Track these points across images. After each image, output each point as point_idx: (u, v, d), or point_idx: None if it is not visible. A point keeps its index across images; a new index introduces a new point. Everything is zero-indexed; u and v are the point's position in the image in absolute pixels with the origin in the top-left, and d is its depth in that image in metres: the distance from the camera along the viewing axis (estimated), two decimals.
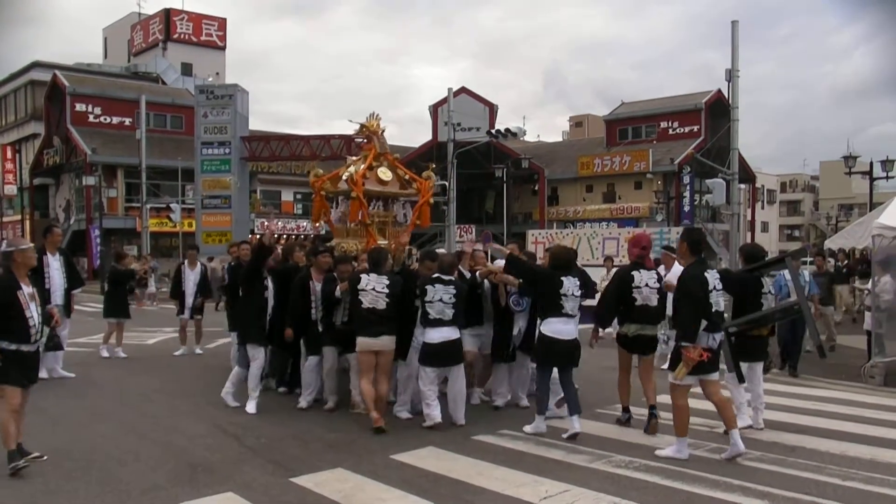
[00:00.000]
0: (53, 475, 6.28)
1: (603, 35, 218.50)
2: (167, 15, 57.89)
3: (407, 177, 10.78)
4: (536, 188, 53.11)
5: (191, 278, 13.93)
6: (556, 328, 7.57)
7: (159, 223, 40.20)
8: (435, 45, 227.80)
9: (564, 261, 7.88)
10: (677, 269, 12.25)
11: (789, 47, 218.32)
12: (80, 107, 43.39)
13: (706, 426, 7.99)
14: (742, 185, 23.36)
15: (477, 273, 8.96)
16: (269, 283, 9.19)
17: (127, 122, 42.90)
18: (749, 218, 53.57)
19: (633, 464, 6.61)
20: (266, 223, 11.35)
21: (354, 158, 10.61)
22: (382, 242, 9.95)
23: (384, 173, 10.28)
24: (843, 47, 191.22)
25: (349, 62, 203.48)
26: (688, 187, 45.55)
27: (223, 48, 61.06)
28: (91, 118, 43.55)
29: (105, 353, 13.27)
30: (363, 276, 8.08)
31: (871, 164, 29.12)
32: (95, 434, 7.75)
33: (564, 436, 7.47)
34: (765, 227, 71.65)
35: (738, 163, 21.30)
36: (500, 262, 8.77)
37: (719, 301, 6.85)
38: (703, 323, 6.69)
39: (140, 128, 34.74)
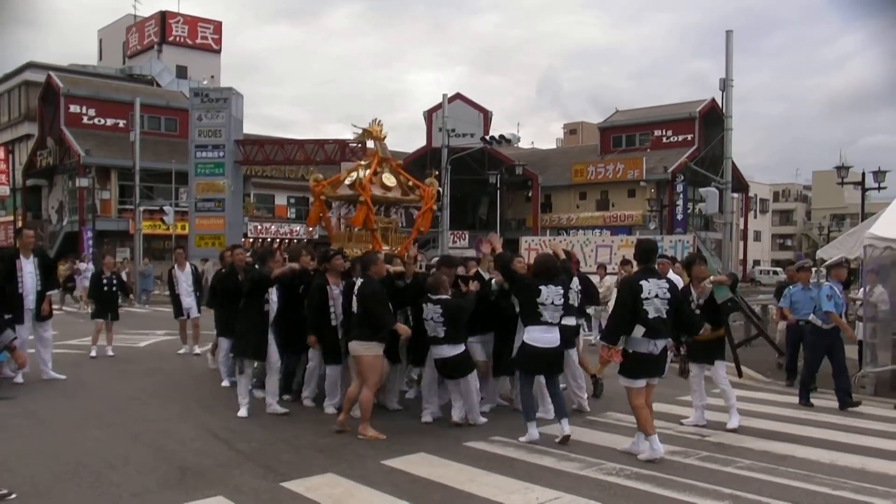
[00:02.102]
0: (43, 478, 6.25)
1: (599, 43, 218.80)
2: (163, 17, 57.92)
3: (410, 183, 10.68)
4: (530, 195, 53.29)
5: (182, 279, 14.07)
6: (535, 336, 7.60)
7: (152, 226, 40.12)
8: (430, 50, 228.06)
9: (545, 269, 7.87)
10: (672, 277, 12.40)
11: (783, 57, 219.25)
12: (74, 108, 43.35)
13: (697, 434, 8.03)
14: (735, 195, 23.52)
15: (493, 281, 8.79)
16: (273, 295, 8.93)
17: (121, 124, 42.87)
18: (742, 227, 53.86)
19: (624, 471, 6.61)
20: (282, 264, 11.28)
21: (361, 163, 10.48)
22: (385, 248, 9.87)
23: (388, 179, 10.23)
24: (836, 58, 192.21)
25: (345, 66, 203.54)
26: (681, 196, 45.71)
27: (218, 51, 61.09)
28: (85, 120, 43.52)
29: (93, 353, 13.38)
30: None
31: (864, 174, 29.22)
32: (86, 437, 7.71)
33: (557, 440, 7.51)
34: (757, 237, 71.96)
35: (731, 172, 21.33)
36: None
37: (661, 308, 7.05)
38: (641, 329, 6.97)
39: (134, 130, 34.68)
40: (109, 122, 44.02)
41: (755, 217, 70.74)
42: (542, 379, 8.25)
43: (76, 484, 6.14)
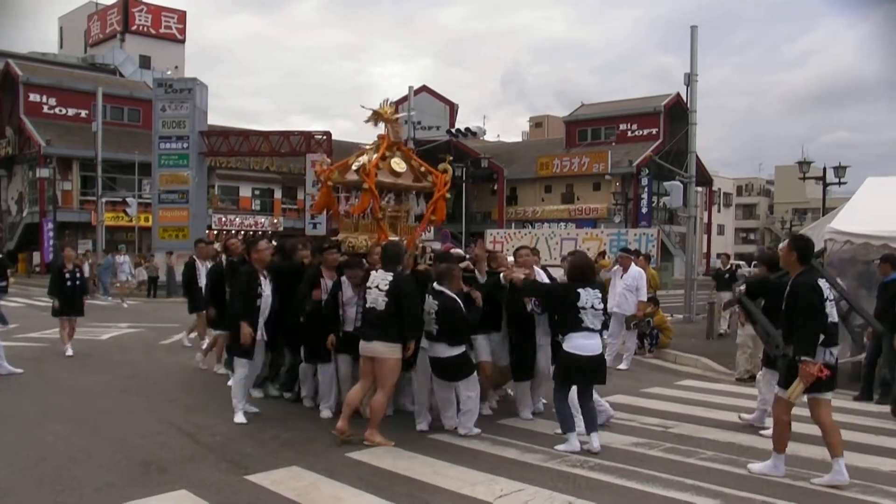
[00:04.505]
0: (4, 473, 6.17)
1: (564, 37, 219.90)
2: (125, 5, 57.15)
3: (422, 169, 9.99)
4: (495, 188, 53.48)
5: (203, 272, 13.18)
6: (577, 343, 7.08)
7: (115, 217, 39.63)
8: (397, 43, 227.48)
9: (581, 271, 7.39)
10: (634, 270, 12.50)
11: (747, 53, 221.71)
12: (34, 97, 42.73)
13: (661, 426, 8.10)
14: (699, 188, 23.77)
15: (501, 276, 8.22)
16: (266, 287, 8.27)
17: (83, 114, 42.29)
18: (706, 221, 54.38)
19: (587, 463, 6.66)
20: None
21: (367, 148, 9.82)
22: (394, 239, 9.18)
23: (398, 164, 9.52)
24: (798, 55, 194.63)
25: (311, 58, 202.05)
26: (646, 189, 46.14)
27: (182, 41, 60.46)
28: (46, 109, 42.92)
29: (69, 352, 12.64)
30: (373, 272, 7.55)
31: (825, 170, 29.64)
32: (48, 431, 7.61)
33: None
34: (721, 230, 72.67)
35: (695, 166, 21.56)
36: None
37: (832, 312, 6.37)
38: (821, 337, 6.23)
39: (96, 120, 34.25)
40: (71, 111, 43.44)
41: (719, 211, 71.51)
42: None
43: (38, 479, 6.06)
